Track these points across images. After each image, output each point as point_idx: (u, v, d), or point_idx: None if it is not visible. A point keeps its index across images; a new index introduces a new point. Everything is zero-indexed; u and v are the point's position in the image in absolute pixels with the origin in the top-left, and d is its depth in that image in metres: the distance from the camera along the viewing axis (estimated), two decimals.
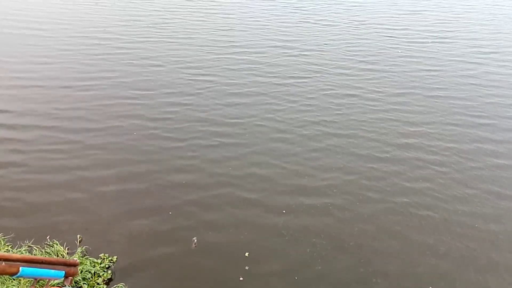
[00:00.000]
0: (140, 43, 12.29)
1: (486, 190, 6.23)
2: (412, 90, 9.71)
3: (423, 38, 13.56)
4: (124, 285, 4.46)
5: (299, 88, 9.63)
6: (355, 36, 13.55)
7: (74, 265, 2.56)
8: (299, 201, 5.88)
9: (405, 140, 7.56)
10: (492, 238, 5.35)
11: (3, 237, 4.93)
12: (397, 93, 9.53)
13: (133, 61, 10.85)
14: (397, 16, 16.33)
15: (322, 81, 10.08)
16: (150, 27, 13.90)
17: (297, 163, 6.78)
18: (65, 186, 6.00)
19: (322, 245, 5.15)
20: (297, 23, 14.94)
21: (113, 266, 4.72)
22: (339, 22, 15.16)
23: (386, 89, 9.76)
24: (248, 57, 11.47)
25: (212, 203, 5.80)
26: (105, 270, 4.62)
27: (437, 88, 9.88)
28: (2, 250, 4.68)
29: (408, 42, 13.08)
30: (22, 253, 4.62)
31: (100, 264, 4.64)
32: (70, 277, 2.48)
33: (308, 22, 15.14)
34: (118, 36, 12.74)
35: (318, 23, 14.98)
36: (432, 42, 13.20)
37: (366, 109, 8.72)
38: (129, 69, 10.39)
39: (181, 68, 10.60)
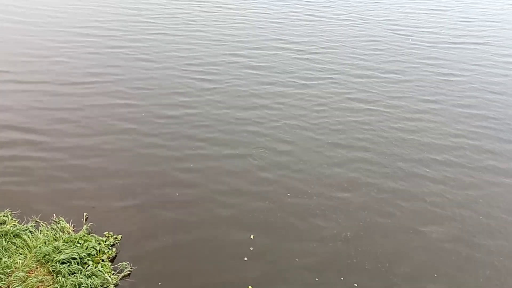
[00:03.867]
0: (139, 36, 13.62)
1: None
2: (435, 98, 10.72)
3: (445, 39, 14.87)
4: (128, 263, 5.54)
5: (310, 91, 10.79)
6: (370, 35, 14.89)
7: None
8: (308, 224, 6.43)
9: (424, 156, 8.28)
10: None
11: (10, 213, 6.09)
12: (419, 100, 10.54)
13: (129, 58, 12.03)
14: (417, 13, 17.75)
15: (335, 85, 11.24)
16: (149, 21, 15.29)
17: (306, 182, 7.32)
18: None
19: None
20: (310, 20, 16.37)
21: (118, 244, 5.84)
22: (355, 19, 16.58)
23: (406, 95, 10.81)
24: (254, 56, 12.71)
25: (214, 234, 6.31)
26: (110, 247, 5.75)
27: (460, 96, 10.88)
28: (9, 225, 5.82)
29: (428, 43, 14.38)
30: (28, 228, 5.76)
31: (105, 242, 5.78)
32: None
33: (322, 19, 16.59)
34: (113, 30, 14.07)
35: (334, 18, 16.42)
36: (451, 42, 14.51)
37: (384, 118, 9.66)
38: (125, 67, 11.50)
39: (181, 66, 11.73)
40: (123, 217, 6.35)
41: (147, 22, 14.94)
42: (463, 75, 12.09)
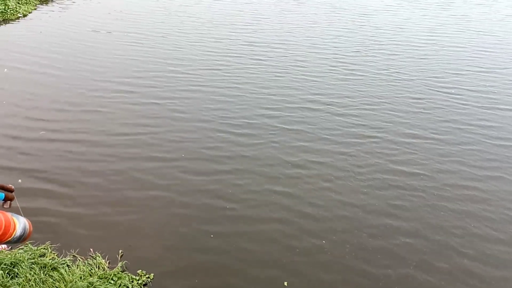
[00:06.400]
0: (178, 88, 15.36)
1: None
2: (489, 165, 11.12)
3: (498, 100, 15.59)
4: None
5: (349, 152, 11.74)
6: (415, 93, 15.88)
7: (10, 190, 3.80)
8: None
9: (478, 233, 8.61)
10: None
11: (50, 245, 7.11)
12: (471, 166, 10.98)
13: (166, 111, 13.40)
14: (466, 73, 18.65)
15: (377, 146, 12.16)
16: (189, 73, 17.14)
17: (339, 255, 7.76)
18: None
19: None
20: (350, 76, 17.67)
21: (150, 283, 6.72)
22: (398, 75, 17.73)
23: (456, 159, 11.48)
24: (291, 113, 13.98)
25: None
26: (142, 287, 6.61)
27: None
28: (48, 258, 6.80)
29: (480, 104, 15.15)
30: (66, 262, 6.71)
31: (138, 280, 6.63)
32: (9, 201, 3.79)
33: (363, 75, 17.88)
34: (152, 82, 15.90)
35: (375, 75, 17.70)
36: (504, 104, 15.25)
37: (432, 185, 10.20)
38: (160, 120, 12.79)
39: (216, 120, 13.13)
40: (156, 257, 7.33)
41: (187, 74, 16.82)
42: None
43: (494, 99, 15.97)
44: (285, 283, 6.97)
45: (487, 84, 17.51)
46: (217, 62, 18.54)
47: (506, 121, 14.05)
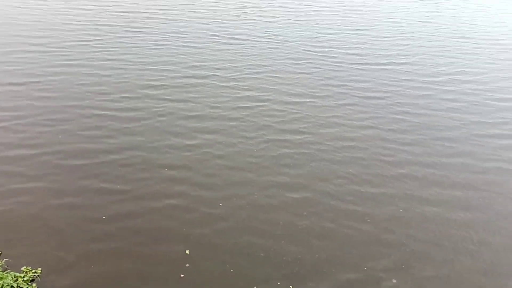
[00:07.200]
0: (41, 69, 14.26)
1: None
2: (364, 123, 12.48)
3: (366, 59, 17.39)
4: None
5: (236, 123, 12.15)
6: (295, 58, 16.92)
7: None
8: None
9: (354, 189, 9.96)
10: None
11: None
12: (350, 126, 12.31)
13: (30, 96, 12.56)
14: (338, 34, 20.48)
15: (262, 115, 12.77)
16: (52, 50, 16.03)
17: (229, 216, 8.25)
18: None
19: None
20: (232, 43, 18.08)
21: (38, 278, 6.46)
22: (276, 40, 18.65)
23: (336, 121, 12.59)
24: (176, 87, 13.95)
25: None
26: (29, 283, 6.32)
27: (387, 119, 12.96)
28: None
29: (352, 64, 16.75)
30: None
31: (23, 277, 6.34)
32: None
33: (244, 42, 18.44)
34: (10, 64, 14.65)
35: (256, 41, 18.41)
36: (373, 62, 17.18)
37: (314, 149, 10.98)
38: (25, 106, 12.06)
39: (93, 101, 12.53)
40: (41, 251, 7.01)
41: (52, 50, 15.70)
42: (388, 97, 14.18)
43: (364, 57, 17.67)
44: (187, 251, 7.32)
45: (357, 45, 19.23)
46: (87, 34, 17.54)
47: (374, 77, 15.72)
